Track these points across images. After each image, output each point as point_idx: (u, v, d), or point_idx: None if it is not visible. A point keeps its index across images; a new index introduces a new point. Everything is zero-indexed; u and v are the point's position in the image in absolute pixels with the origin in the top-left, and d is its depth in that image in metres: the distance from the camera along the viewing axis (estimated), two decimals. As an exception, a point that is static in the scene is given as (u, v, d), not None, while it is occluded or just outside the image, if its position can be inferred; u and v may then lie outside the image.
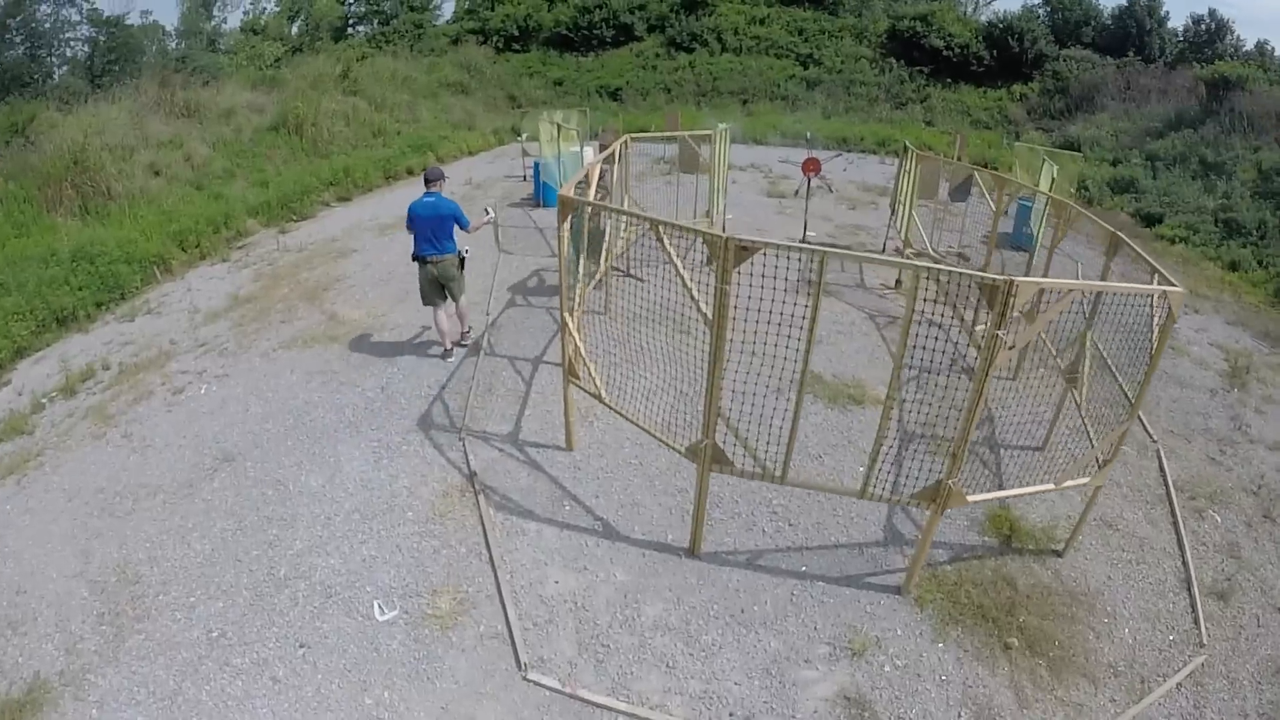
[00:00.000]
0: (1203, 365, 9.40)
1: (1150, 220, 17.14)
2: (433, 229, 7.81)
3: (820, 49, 31.13)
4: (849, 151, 23.63)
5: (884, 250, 13.21)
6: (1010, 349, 4.36)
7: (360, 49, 31.51)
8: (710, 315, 4.58)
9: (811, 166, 12.99)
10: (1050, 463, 6.65)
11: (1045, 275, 8.81)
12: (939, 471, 5.35)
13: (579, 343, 6.03)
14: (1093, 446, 5.54)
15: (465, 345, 8.93)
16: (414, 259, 8.00)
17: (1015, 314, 4.26)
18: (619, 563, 5.56)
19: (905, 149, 12.19)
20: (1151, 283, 5.47)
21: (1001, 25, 28.12)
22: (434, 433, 7.21)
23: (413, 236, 7.91)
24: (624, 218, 8.13)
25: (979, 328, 7.03)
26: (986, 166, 22.39)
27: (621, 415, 5.96)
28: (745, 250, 4.28)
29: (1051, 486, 5.27)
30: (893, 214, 12.84)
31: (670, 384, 6.45)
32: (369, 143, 20.29)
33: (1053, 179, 11.67)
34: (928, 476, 5.15)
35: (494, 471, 6.62)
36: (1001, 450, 7.19)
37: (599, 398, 6.05)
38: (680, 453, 5.24)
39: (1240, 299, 12.05)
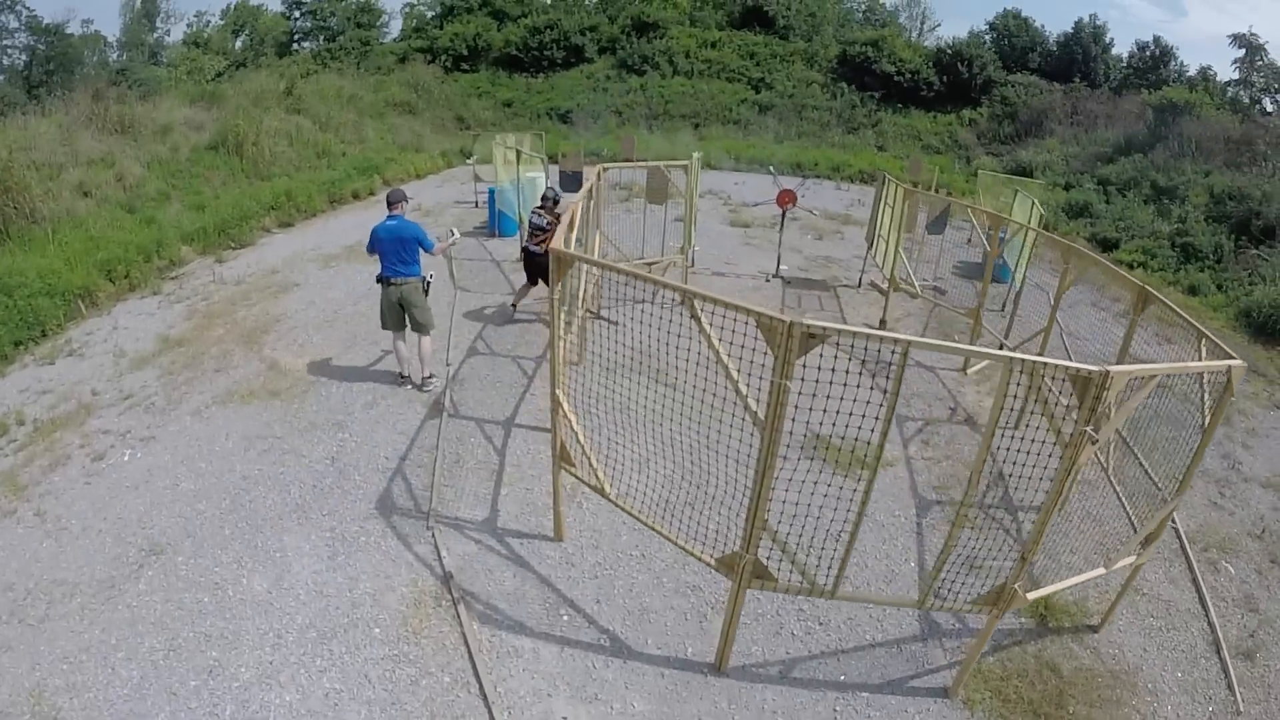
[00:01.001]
0: (1186, 400, 9.07)
1: (1107, 245, 17.11)
2: (396, 252, 7.56)
3: (772, 73, 30.88)
4: (805, 178, 23.34)
5: (860, 285, 12.68)
6: (1094, 444, 3.73)
7: (305, 65, 30.22)
8: (761, 414, 3.79)
9: (787, 199, 12.37)
10: (1067, 523, 6.15)
11: (1050, 321, 8.36)
12: (967, 546, 4.95)
13: (576, 426, 5.12)
14: (1134, 530, 5.19)
15: (427, 391, 8.13)
16: (378, 280, 7.73)
17: (1107, 407, 3.64)
18: (635, 688, 4.65)
19: (884, 180, 11.68)
20: (1198, 349, 5.10)
21: (951, 51, 28.24)
22: (397, 519, 6.11)
23: (378, 258, 7.69)
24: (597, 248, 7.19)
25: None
26: (938, 191, 22.32)
27: (631, 515, 5.01)
28: (813, 338, 3.51)
29: (1103, 571, 4.83)
30: (870, 247, 12.31)
31: (662, 453, 5.63)
32: (313, 164, 19.07)
33: (1040, 215, 11.31)
34: (958, 553, 4.65)
35: (473, 571, 5.57)
36: (1020, 513, 6.68)
37: (602, 492, 5.11)
38: (710, 565, 4.39)
39: (1205, 324, 11.90)
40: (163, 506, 6.19)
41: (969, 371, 9.66)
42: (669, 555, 5.77)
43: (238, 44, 42.49)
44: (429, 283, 7.83)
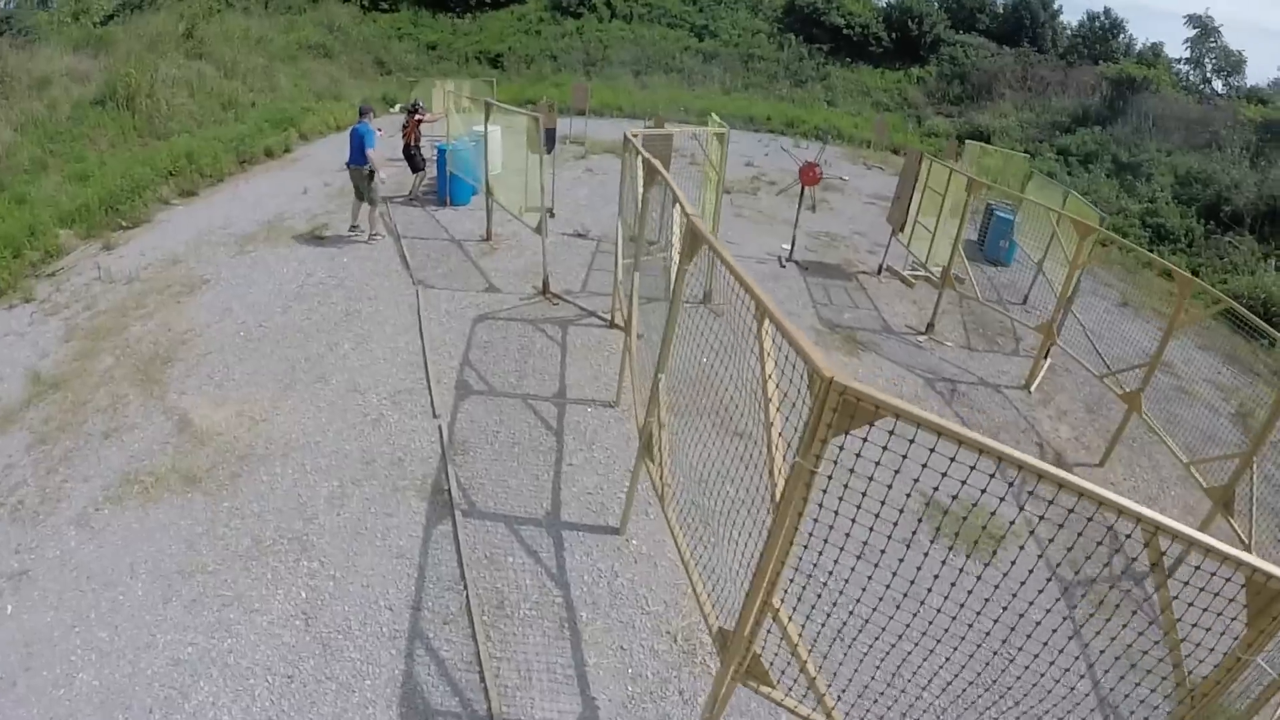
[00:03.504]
0: (1214, 410, 8.39)
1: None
2: (356, 146, 9.73)
3: (715, 20, 28.26)
4: (757, 133, 21.20)
5: (880, 273, 10.78)
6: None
7: (207, 3, 25.61)
8: None
9: (813, 175, 10.22)
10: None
11: (1156, 357, 6.80)
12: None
13: (801, 646, 2.87)
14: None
15: (373, 244, 10.27)
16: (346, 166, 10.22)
17: None
18: None
19: (921, 159, 9.71)
20: None
21: (900, 7, 26.31)
22: (443, 746, 3.64)
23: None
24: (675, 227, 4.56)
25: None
26: (897, 152, 20.56)
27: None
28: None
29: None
30: (899, 232, 10.37)
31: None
32: (218, 118, 15.70)
33: (1101, 219, 9.64)
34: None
35: None
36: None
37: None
38: None
39: (1189, 314, 11.38)
40: (52, 732, 3.69)
41: (1032, 389, 8.14)
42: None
43: (133, -17, 36.19)
44: (373, 173, 9.86)
